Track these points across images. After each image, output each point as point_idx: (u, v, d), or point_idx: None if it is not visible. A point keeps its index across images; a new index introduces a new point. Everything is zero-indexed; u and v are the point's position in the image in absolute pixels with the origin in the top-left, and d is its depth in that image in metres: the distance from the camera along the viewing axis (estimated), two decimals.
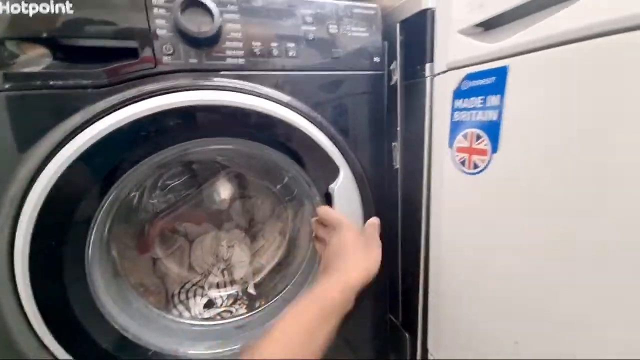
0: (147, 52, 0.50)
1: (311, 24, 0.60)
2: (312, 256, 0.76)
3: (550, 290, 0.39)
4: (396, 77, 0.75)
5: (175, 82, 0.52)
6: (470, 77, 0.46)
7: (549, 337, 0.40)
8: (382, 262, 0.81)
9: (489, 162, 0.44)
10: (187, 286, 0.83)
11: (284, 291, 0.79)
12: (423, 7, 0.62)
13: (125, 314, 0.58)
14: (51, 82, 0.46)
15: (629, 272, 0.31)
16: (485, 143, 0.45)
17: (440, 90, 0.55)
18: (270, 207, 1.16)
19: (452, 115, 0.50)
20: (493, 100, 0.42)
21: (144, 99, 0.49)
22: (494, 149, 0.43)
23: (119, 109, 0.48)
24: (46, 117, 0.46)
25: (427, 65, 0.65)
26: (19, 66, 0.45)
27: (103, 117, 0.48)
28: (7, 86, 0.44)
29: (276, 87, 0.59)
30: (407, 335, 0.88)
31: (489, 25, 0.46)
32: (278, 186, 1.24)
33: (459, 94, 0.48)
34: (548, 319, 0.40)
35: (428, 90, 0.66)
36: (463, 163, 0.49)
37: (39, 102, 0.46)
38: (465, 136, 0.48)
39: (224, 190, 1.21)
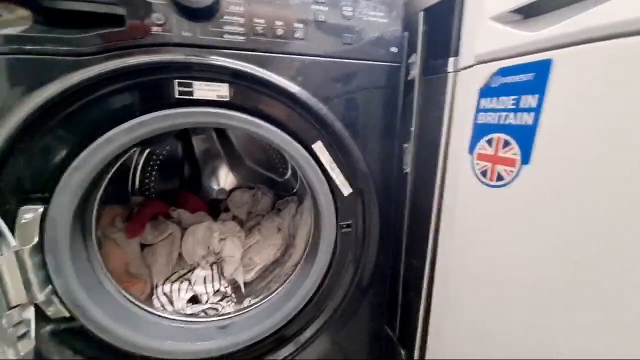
0: (135, 21, 0.45)
1: (323, 3, 0.54)
2: (310, 259, 0.71)
3: (568, 323, 0.32)
4: (415, 71, 0.67)
5: (164, 56, 0.46)
6: (503, 72, 0.39)
7: None
8: (383, 271, 0.75)
9: (516, 174, 0.37)
10: (173, 277, 0.79)
11: (275, 292, 0.74)
12: None
13: (96, 303, 0.53)
14: (27, 47, 0.41)
15: None
16: (514, 151, 0.37)
17: (463, 88, 0.48)
18: (271, 200, 1.11)
19: (475, 116, 0.43)
20: (529, 100, 0.35)
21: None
22: (525, 159, 0.36)
23: (97, 82, 0.44)
24: (20, 83, 0.42)
25: (451, 60, 0.58)
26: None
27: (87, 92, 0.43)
28: None
29: (278, 71, 0.53)
30: (402, 351, 0.82)
31: (529, 13, 0.38)
32: (282, 178, 1.19)
33: (486, 91, 0.41)
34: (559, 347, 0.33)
35: (449, 87, 0.59)
36: (484, 173, 0.42)
37: (13, 66, 0.41)
38: (489, 142, 0.41)
39: (224, 179, 1.17)
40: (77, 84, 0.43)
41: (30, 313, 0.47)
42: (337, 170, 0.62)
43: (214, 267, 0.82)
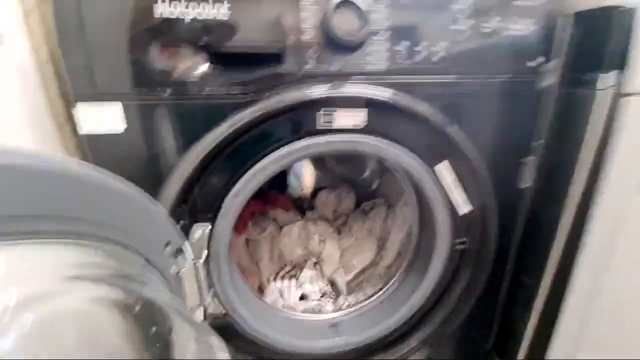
0: (293, 58, 0.47)
1: (465, 20, 0.51)
2: (417, 270, 0.72)
3: None
4: (549, 81, 0.62)
5: (317, 90, 0.49)
6: None
7: None
8: (493, 286, 0.74)
9: None
10: (281, 273, 0.87)
11: (375, 297, 0.78)
12: (615, 1, 0.48)
13: (242, 301, 0.62)
14: (206, 91, 0.46)
15: None
16: None
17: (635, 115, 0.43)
18: (353, 200, 1.14)
19: None
20: None
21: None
22: None
23: (263, 120, 0.48)
24: (199, 123, 0.48)
25: (607, 75, 0.52)
26: (178, 74, 0.46)
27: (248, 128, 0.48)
28: (166, 94, 0.46)
29: (414, 94, 0.53)
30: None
31: None
32: (361, 177, 1.21)
33: None
34: None
35: (600, 106, 0.54)
36: None
37: (195, 108, 0.47)
38: None
39: (308, 178, 1.22)
40: (245, 124, 0.48)
41: (200, 313, 0.56)
42: (460, 189, 0.61)
43: (316, 266, 0.88)
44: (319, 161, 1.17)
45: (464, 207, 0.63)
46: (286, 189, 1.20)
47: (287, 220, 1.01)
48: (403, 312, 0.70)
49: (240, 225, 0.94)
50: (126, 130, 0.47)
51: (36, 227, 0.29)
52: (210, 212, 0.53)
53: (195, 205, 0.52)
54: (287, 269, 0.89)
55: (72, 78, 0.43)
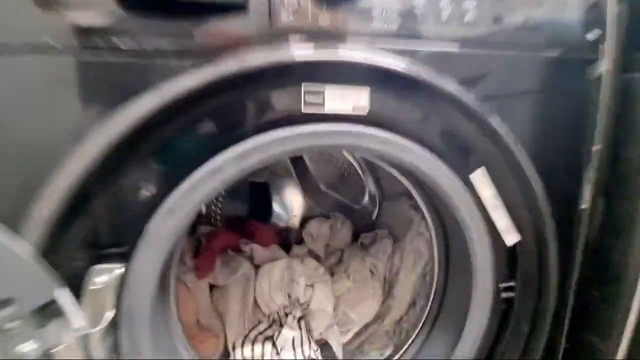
0: (260, 7, 0.31)
1: None
2: (445, 328, 0.51)
3: None
4: (602, 69, 0.47)
5: (290, 53, 0.32)
6: None
7: None
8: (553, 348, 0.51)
9: None
10: (252, 335, 0.63)
11: None
12: None
13: None
14: (117, 44, 0.29)
15: None
16: None
17: None
18: (350, 232, 0.94)
19: None
20: None
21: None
22: None
23: (213, 94, 0.30)
24: (104, 93, 0.30)
25: None
26: (74, 17, 0.29)
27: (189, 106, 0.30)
28: (59, 46, 0.28)
29: (437, 68, 0.37)
30: None
31: None
32: (358, 205, 1.02)
33: None
34: None
35: None
36: None
37: (98, 70, 0.29)
38: None
39: (296, 205, 1.03)
40: (182, 100, 0.30)
41: None
42: (502, 209, 0.43)
43: (301, 322, 0.65)
44: (309, 184, 0.99)
45: (509, 235, 0.44)
46: (269, 218, 1.00)
47: (266, 258, 0.79)
48: None
49: (203, 265, 0.72)
50: None
51: None
52: (122, 244, 0.33)
53: (95, 230, 0.32)
54: (262, 327, 0.65)
55: None
